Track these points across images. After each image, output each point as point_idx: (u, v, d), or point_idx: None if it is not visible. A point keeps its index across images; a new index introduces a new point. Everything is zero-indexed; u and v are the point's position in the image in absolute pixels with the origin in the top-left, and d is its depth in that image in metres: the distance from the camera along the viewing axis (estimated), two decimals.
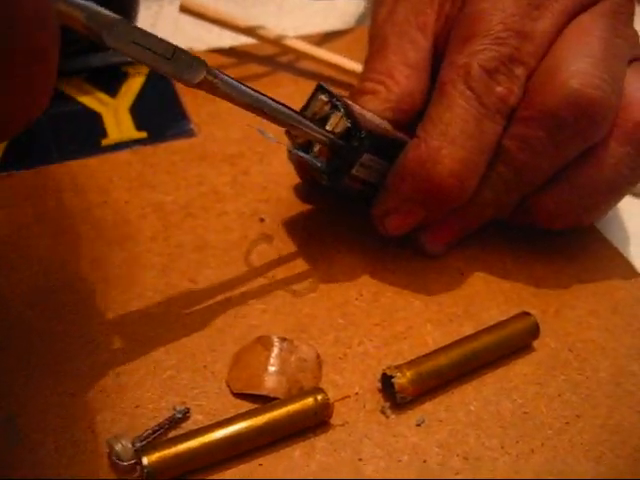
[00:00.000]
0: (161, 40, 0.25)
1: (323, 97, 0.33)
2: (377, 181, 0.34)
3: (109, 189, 0.37)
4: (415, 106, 0.35)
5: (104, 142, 0.40)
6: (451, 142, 0.32)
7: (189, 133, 0.40)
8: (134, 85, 0.43)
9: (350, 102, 0.33)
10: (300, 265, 0.35)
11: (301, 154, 0.33)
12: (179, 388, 0.30)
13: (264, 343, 0.31)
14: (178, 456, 0.27)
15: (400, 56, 0.35)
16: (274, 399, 0.29)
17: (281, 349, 0.30)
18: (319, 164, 0.33)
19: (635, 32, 0.34)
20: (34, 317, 0.31)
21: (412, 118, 0.35)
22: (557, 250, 0.37)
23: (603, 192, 0.34)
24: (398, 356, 0.31)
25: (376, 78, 0.35)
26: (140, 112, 0.41)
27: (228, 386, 0.30)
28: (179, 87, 0.43)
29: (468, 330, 0.32)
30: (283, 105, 0.30)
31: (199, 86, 0.27)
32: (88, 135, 0.40)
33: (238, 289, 0.33)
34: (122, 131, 0.40)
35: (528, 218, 0.35)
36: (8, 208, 0.36)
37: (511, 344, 0.32)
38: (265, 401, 0.29)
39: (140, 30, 0.25)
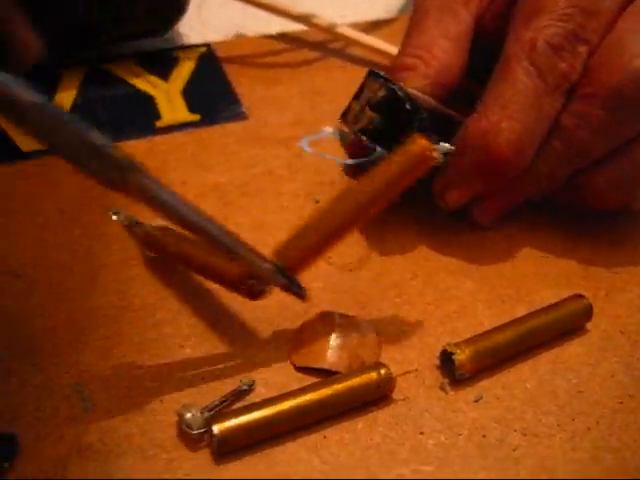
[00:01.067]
0: None
1: (376, 82, 0.34)
2: None
3: (165, 169, 0.38)
4: (453, 80, 0.35)
5: (158, 124, 0.40)
6: (510, 116, 0.32)
7: (241, 116, 0.41)
8: (185, 69, 0.44)
9: (402, 84, 0.34)
10: (355, 245, 0.35)
11: (363, 138, 0.33)
12: (243, 362, 0.30)
13: (325, 319, 0.31)
14: (246, 426, 0.27)
15: (440, 29, 0.35)
16: (335, 373, 0.30)
17: (342, 325, 0.31)
18: (377, 148, 0.33)
19: None
20: (94, 291, 0.32)
21: (450, 92, 0.35)
22: (605, 232, 0.37)
23: None
24: (454, 335, 0.32)
25: (414, 52, 0.35)
26: (192, 95, 0.42)
27: (290, 360, 0.30)
28: (229, 71, 0.43)
29: (521, 312, 0.33)
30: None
31: None
32: (142, 117, 0.40)
33: None
34: (175, 113, 0.41)
35: (577, 196, 0.35)
36: (61, 188, 0.36)
37: (565, 325, 0.32)
38: (326, 375, 0.30)
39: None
